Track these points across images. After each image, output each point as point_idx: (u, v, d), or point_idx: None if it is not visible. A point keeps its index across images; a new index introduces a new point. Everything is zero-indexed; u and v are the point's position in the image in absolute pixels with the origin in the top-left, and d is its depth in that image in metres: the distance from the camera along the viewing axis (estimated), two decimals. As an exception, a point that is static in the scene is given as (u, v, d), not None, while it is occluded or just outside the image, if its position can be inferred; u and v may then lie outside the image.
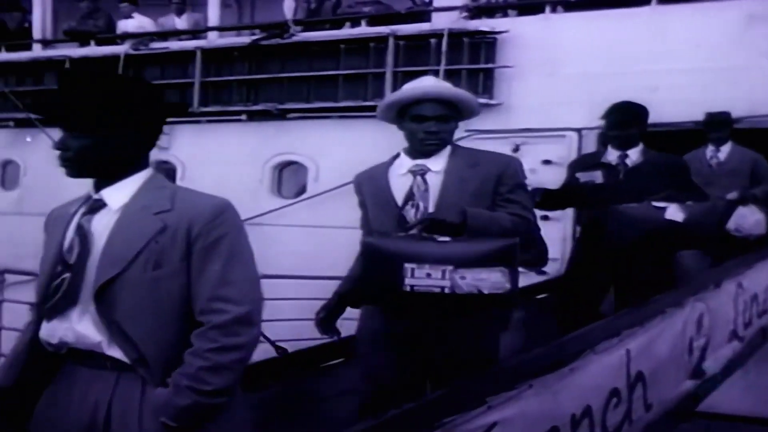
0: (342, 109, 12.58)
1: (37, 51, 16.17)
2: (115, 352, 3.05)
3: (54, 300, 3.11)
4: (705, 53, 10.33)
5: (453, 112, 4.64)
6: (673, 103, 9.12)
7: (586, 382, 4.73)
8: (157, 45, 14.82)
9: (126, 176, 3.22)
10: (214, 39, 14.62)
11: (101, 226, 3.14)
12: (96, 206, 3.20)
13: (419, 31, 12.40)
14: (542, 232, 6.11)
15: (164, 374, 3.02)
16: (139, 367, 3.03)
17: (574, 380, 4.58)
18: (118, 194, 3.19)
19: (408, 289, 4.15)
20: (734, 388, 7.41)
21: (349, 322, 4.98)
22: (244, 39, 14.11)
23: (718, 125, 9.07)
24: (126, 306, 3.03)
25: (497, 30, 11.71)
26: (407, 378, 4.60)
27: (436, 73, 11.78)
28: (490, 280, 4.11)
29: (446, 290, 4.11)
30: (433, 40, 12.16)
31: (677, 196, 6.35)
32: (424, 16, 12.91)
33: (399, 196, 4.59)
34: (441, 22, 12.22)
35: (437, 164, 4.60)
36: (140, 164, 3.28)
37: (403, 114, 4.64)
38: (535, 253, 6.16)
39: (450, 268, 4.11)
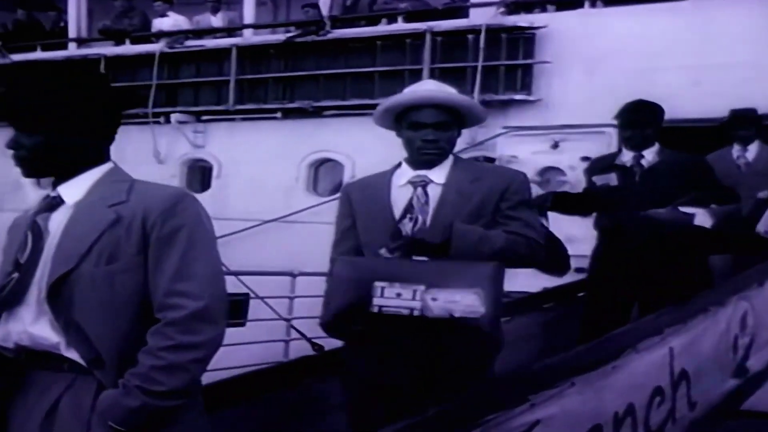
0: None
1: (73, 50, 16.27)
2: (72, 353, 2.88)
3: (1, 301, 2.94)
4: (748, 47, 10.19)
5: (454, 119, 4.30)
6: (716, 98, 8.97)
7: (629, 381, 4.66)
8: (192, 43, 14.86)
9: (83, 172, 3.07)
10: (249, 36, 14.65)
11: (56, 223, 2.99)
12: (53, 203, 3.06)
13: (456, 27, 12.35)
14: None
15: (120, 376, 2.83)
16: (94, 369, 2.86)
17: (616, 378, 4.52)
18: (75, 190, 3.04)
19: (376, 310, 3.92)
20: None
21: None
22: (280, 36, 14.09)
23: (744, 123, 8.60)
24: (81, 303, 2.86)
25: (536, 25, 11.66)
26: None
27: (474, 70, 11.73)
28: (464, 302, 3.81)
29: (415, 312, 3.84)
30: (470, 36, 12.10)
31: (703, 198, 6.22)
32: (461, 12, 12.84)
33: (397, 208, 4.27)
34: (479, 17, 12.16)
35: (440, 176, 4.28)
36: (98, 159, 3.12)
37: (401, 120, 4.33)
38: (550, 261, 6.04)
39: (422, 288, 3.86)
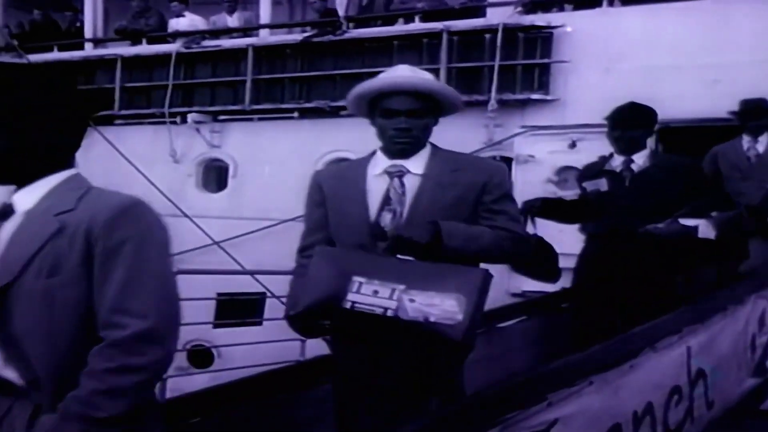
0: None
1: (89, 50, 16.32)
2: (10, 373, 2.67)
3: None
4: (765, 46, 10.09)
5: (429, 106, 4.12)
6: (733, 97, 8.90)
7: (648, 379, 4.65)
8: (209, 43, 14.87)
9: (43, 178, 2.82)
10: (265, 36, 14.66)
11: (5, 232, 2.76)
12: (5, 212, 2.80)
13: (473, 27, 12.32)
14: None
15: (60, 399, 2.58)
16: (32, 391, 2.65)
17: (635, 377, 4.51)
18: (28, 197, 2.79)
19: (348, 306, 3.72)
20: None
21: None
22: (296, 36, 14.09)
23: (754, 114, 8.45)
24: (20, 319, 2.63)
25: (553, 24, 11.62)
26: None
27: (491, 69, 11.71)
28: (441, 307, 3.59)
29: (389, 312, 3.63)
30: (487, 36, 12.07)
31: (702, 208, 6.16)
32: (478, 11, 12.82)
33: (373, 199, 4.09)
34: (496, 17, 12.13)
35: (417, 166, 4.11)
36: (61, 165, 2.86)
37: (375, 107, 4.14)
38: (542, 267, 5.92)
39: (401, 287, 3.66)
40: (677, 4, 10.83)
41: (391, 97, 4.06)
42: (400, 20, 13.43)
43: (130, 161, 13.18)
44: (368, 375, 4.02)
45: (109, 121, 14.66)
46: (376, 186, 4.11)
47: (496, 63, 11.74)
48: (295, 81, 13.83)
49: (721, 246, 6.39)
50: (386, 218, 4.01)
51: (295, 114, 13.68)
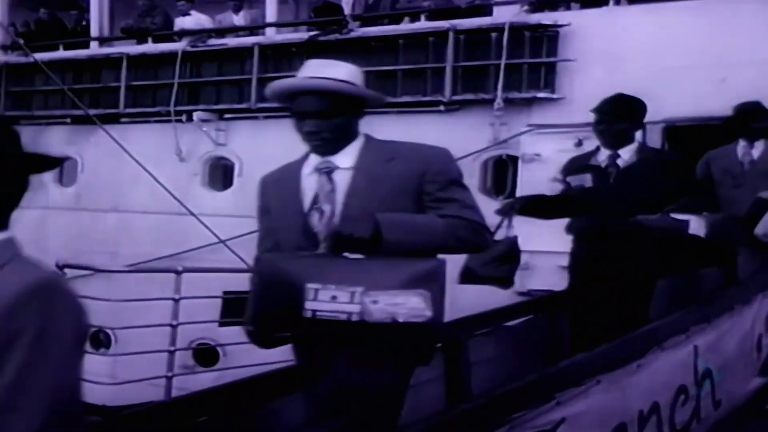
0: (401, 105, 12.43)
1: (95, 49, 16.30)
2: None
3: None
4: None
5: (341, 104, 3.80)
6: (740, 96, 8.87)
7: (654, 379, 4.66)
8: (215, 42, 14.87)
9: None
10: (271, 35, 14.65)
11: None
12: None
13: (480, 25, 12.29)
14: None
15: None
16: None
17: (641, 376, 4.52)
18: None
19: (309, 314, 3.48)
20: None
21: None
22: (302, 35, 14.09)
23: (750, 117, 7.94)
24: None
25: (559, 23, 11.58)
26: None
27: (497, 68, 11.69)
28: (408, 305, 3.40)
29: (354, 317, 3.42)
30: (493, 34, 12.04)
31: (694, 206, 6.04)
32: (484, 10, 12.81)
33: (306, 199, 3.86)
34: (502, 15, 12.13)
35: (346, 160, 3.84)
36: None
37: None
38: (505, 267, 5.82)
39: (360, 289, 3.42)
40: (684, 3, 10.80)
41: (298, 97, 3.84)
42: (406, 19, 13.40)
43: (136, 159, 13.18)
44: (335, 381, 3.73)
45: (115, 119, 14.70)
46: (308, 185, 3.89)
47: (503, 62, 11.70)
48: (300, 80, 13.81)
49: (711, 248, 6.31)
50: (314, 218, 3.80)
51: (302, 112, 13.62)
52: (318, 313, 3.46)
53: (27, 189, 2.53)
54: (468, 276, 5.80)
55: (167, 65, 14.88)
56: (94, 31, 16.44)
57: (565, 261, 6.77)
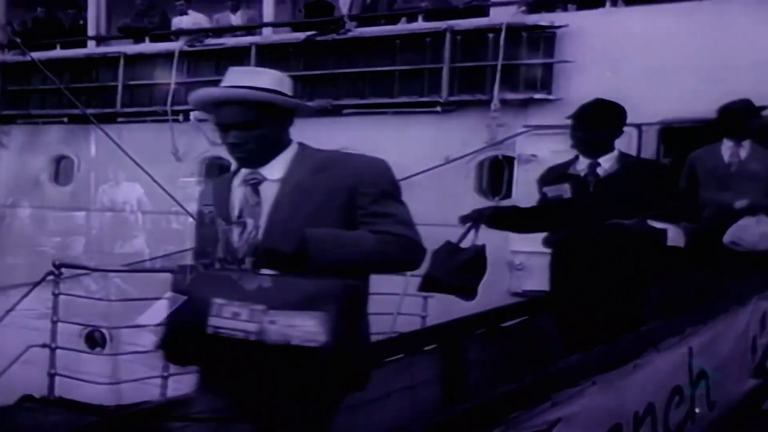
0: (398, 105, 12.45)
1: (92, 48, 16.28)
2: None
3: None
4: (768, 46, 10.09)
5: (265, 114, 3.66)
6: (737, 96, 8.87)
7: (649, 380, 4.68)
8: (212, 41, 14.86)
9: None
10: (268, 35, 14.64)
11: None
12: None
13: (477, 26, 12.27)
14: None
15: None
16: None
17: (637, 377, 4.53)
18: None
19: (211, 331, 3.28)
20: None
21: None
22: (299, 35, 14.05)
23: (738, 116, 7.78)
24: None
25: (556, 24, 11.58)
26: None
27: (494, 69, 11.70)
28: (302, 328, 3.16)
29: (252, 336, 3.20)
30: (491, 35, 12.02)
31: (674, 215, 5.82)
32: (481, 10, 12.80)
33: (234, 212, 3.68)
34: (499, 16, 12.11)
35: (274, 172, 3.69)
36: None
37: None
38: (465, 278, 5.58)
39: (261, 308, 3.22)
40: (680, 5, 10.81)
41: (221, 107, 3.70)
42: (404, 19, 13.38)
43: (133, 159, 13.17)
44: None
45: (111, 118, 14.69)
46: (237, 197, 3.73)
47: (499, 62, 11.70)
48: (298, 80, 13.78)
49: (691, 256, 6.17)
50: (234, 233, 3.62)
51: (298, 112, 13.62)
52: (220, 330, 3.28)
53: None
54: (430, 284, 5.66)
55: (164, 65, 14.86)
56: (91, 30, 16.42)
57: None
